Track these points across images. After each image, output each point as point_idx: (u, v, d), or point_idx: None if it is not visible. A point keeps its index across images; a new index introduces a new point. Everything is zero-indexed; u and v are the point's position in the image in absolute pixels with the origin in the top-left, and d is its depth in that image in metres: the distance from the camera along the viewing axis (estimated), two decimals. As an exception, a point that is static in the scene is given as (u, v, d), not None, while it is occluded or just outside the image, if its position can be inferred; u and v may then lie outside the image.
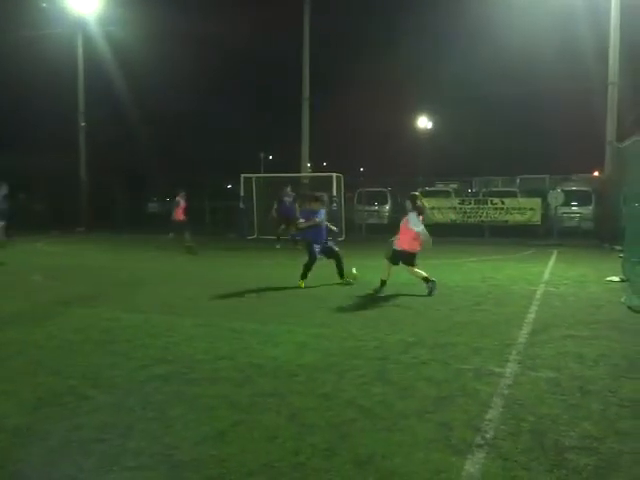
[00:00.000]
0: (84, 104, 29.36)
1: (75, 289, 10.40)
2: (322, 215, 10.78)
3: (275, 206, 19.31)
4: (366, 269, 13.11)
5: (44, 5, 28.70)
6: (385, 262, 9.94)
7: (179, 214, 17.60)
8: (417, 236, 9.63)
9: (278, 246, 18.72)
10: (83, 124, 29.28)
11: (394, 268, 9.94)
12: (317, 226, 10.79)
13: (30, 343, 6.45)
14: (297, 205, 18.77)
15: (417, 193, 10.21)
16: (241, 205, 23.59)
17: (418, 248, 9.80)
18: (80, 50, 28.96)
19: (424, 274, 9.79)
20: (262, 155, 60.61)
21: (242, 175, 24.01)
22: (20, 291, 10.12)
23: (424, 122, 55.31)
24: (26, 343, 6.45)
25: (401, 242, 9.79)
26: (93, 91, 29.99)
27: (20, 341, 6.55)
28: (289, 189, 19.37)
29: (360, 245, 20.32)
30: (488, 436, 3.93)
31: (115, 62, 31.55)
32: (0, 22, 32.08)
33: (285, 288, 10.45)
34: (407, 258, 9.80)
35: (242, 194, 23.77)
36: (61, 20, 28.22)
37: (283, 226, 18.96)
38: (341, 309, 8.46)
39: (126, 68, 33.46)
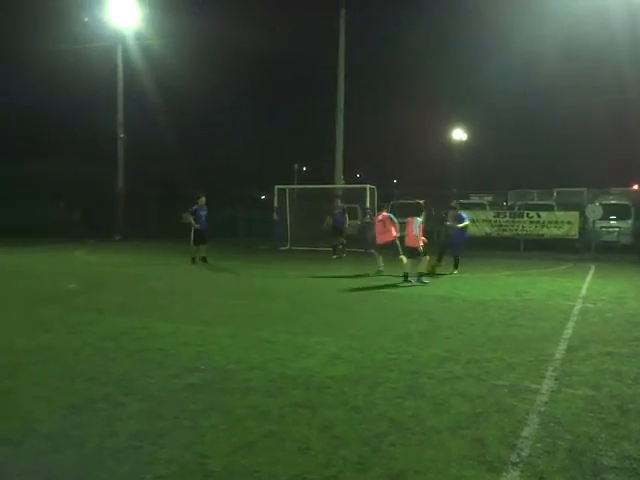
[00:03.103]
0: (123, 115, 29.92)
1: (110, 297, 10.55)
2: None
3: (328, 219, 20.31)
4: (399, 282, 13.05)
5: (86, 19, 29.44)
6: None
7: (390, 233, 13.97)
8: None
9: (335, 257, 19.16)
10: (122, 135, 29.80)
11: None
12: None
13: (65, 350, 6.55)
14: (346, 216, 19.94)
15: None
16: (274, 216, 23.71)
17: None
18: (120, 62, 29.56)
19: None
20: (296, 166, 60.81)
21: (276, 186, 24.15)
22: (56, 298, 10.31)
23: (459, 134, 54.94)
24: (61, 350, 6.56)
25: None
26: (131, 102, 30.54)
27: (56, 347, 6.66)
28: (339, 201, 20.64)
29: (392, 257, 20.18)
30: (524, 454, 3.85)
31: (153, 74, 32.15)
32: (43, 36, 33.01)
33: (316, 298, 10.45)
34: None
35: (276, 205, 23.89)
36: (102, 33, 28.89)
37: (343, 239, 19.70)
38: (373, 321, 8.42)
39: (163, 80, 34.07)
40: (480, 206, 26.52)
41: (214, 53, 39.33)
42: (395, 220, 13.94)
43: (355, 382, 5.38)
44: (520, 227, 22.90)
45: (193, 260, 16.39)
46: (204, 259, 16.51)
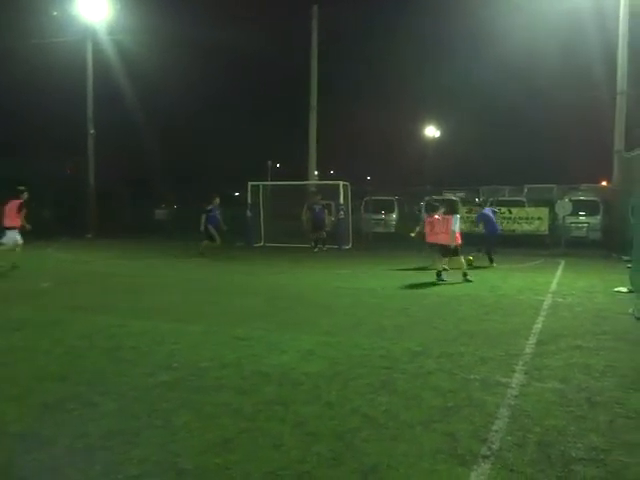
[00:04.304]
0: (93, 111, 29.52)
1: (82, 296, 10.43)
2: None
3: (305, 213, 21.88)
4: (375, 278, 13.14)
5: (55, 13, 28.99)
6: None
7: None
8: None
9: (316, 250, 20.77)
10: (92, 131, 29.41)
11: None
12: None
13: (36, 349, 6.47)
14: (326, 212, 21.59)
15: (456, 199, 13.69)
16: (248, 213, 23.62)
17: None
18: (89, 57, 29.14)
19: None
20: (270, 163, 60.69)
21: (249, 183, 24.04)
22: (28, 297, 10.17)
23: (432, 131, 55.32)
24: (33, 349, 6.48)
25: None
26: (101, 98, 30.14)
27: (27, 347, 6.57)
28: (319, 198, 21.84)
29: (366, 254, 20.30)
30: (494, 447, 3.91)
31: (124, 70, 31.74)
32: (12, 30, 32.42)
33: (290, 295, 10.45)
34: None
35: (249, 202, 23.79)
36: (71, 28, 28.44)
37: (323, 233, 21.33)
38: (347, 317, 8.45)
39: (134, 76, 33.69)
40: (453, 202, 26.70)
41: (186, 49, 38.95)
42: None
43: (329, 378, 5.41)
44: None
45: (202, 254, 17.74)
46: (203, 254, 17.77)
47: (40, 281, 11.97)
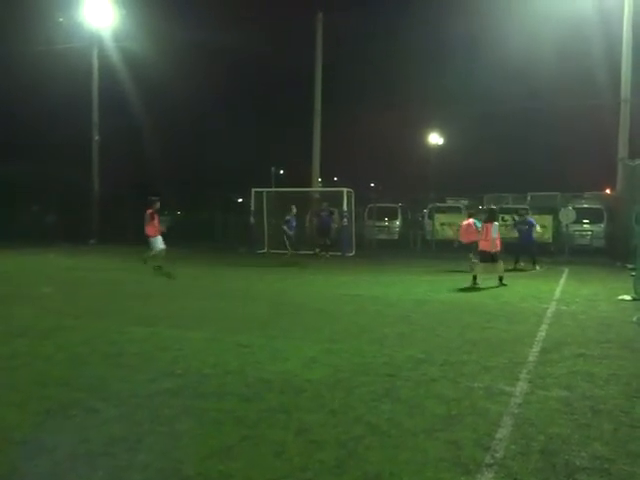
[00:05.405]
0: (98, 117, 29.61)
1: (85, 302, 10.44)
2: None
3: (309, 219, 23.06)
4: (377, 285, 13.13)
5: (61, 20, 29.12)
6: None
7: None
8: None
9: (321, 255, 21.06)
10: (97, 138, 29.49)
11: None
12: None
13: (39, 355, 6.47)
14: (334, 218, 22.00)
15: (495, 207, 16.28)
16: (251, 219, 23.64)
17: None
18: (95, 64, 29.27)
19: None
20: (273, 170, 60.73)
21: (253, 189, 24.07)
22: (30, 303, 10.17)
23: (435, 138, 55.23)
24: (35, 355, 6.47)
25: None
26: (107, 104, 30.24)
27: (29, 353, 6.57)
28: (326, 204, 22.06)
29: (370, 261, 20.29)
30: (498, 455, 3.89)
31: (129, 75, 31.83)
32: (18, 36, 32.56)
33: (293, 302, 10.45)
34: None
35: (253, 208, 23.82)
36: (77, 34, 28.58)
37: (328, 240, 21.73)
38: (350, 324, 8.43)
39: (139, 82, 33.78)
40: (456, 209, 26.73)
41: (191, 55, 39.02)
42: (478, 226, 14.87)
43: (332, 386, 5.39)
44: (495, 230, 23.09)
45: (285, 261, 18.41)
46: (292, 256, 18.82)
47: (41, 287, 11.98)
